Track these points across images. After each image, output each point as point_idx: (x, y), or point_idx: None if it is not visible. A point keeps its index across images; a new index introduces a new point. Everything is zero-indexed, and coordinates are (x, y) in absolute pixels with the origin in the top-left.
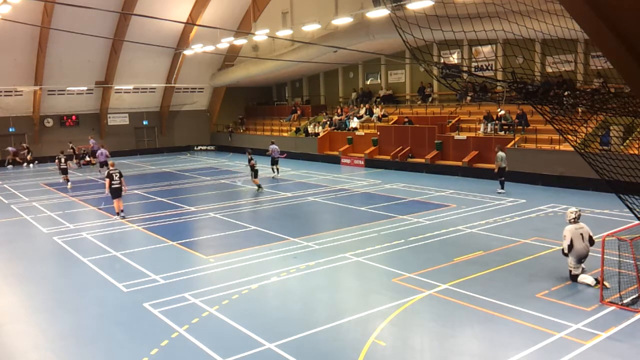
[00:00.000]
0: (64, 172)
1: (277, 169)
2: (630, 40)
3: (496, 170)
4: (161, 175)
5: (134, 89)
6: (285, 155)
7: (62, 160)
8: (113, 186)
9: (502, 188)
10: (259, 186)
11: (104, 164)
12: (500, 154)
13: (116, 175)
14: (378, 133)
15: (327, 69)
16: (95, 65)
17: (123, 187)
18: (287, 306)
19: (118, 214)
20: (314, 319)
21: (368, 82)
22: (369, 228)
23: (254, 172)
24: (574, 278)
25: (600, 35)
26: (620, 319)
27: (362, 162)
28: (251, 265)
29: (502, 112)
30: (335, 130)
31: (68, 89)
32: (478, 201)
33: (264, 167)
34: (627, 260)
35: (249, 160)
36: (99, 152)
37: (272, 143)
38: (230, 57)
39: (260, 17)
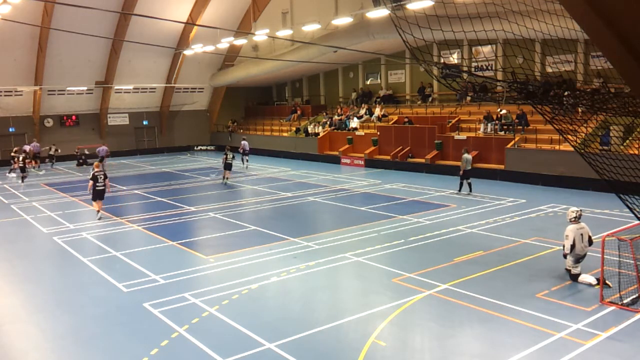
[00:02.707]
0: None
1: (247, 160)
2: (630, 40)
3: (461, 172)
4: (161, 175)
5: (134, 89)
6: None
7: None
8: (97, 188)
9: (460, 190)
10: (226, 179)
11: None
12: (465, 156)
13: (101, 178)
14: (378, 133)
15: (327, 69)
16: (95, 65)
17: (107, 189)
18: (287, 306)
19: (98, 211)
20: (314, 319)
21: (368, 82)
22: (369, 228)
23: (226, 165)
24: (574, 278)
25: (600, 35)
26: (620, 319)
27: (362, 162)
28: (251, 265)
29: (504, 111)
30: (335, 130)
31: (68, 89)
32: (478, 201)
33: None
34: (627, 260)
35: (225, 154)
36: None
37: (244, 139)
38: (230, 57)
39: (260, 17)
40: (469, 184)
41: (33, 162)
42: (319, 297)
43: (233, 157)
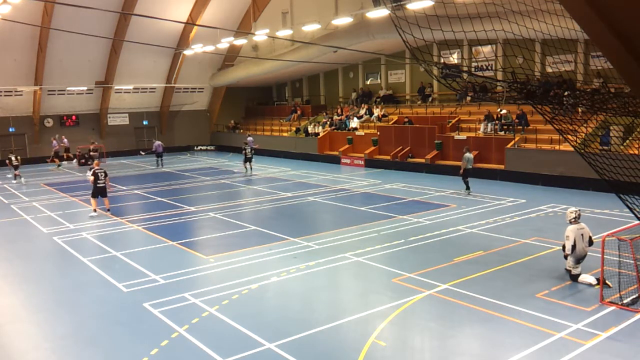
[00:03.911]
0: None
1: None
2: (630, 40)
3: (461, 171)
4: (161, 175)
5: (134, 89)
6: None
7: (13, 159)
8: (98, 185)
9: (467, 189)
10: (249, 169)
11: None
12: (467, 155)
13: (101, 175)
14: (378, 133)
15: (327, 69)
16: (95, 65)
17: (107, 186)
18: (287, 306)
19: (108, 209)
20: (314, 319)
21: (368, 82)
22: (369, 228)
23: (246, 158)
24: (574, 278)
25: (600, 35)
26: (620, 319)
27: (362, 162)
28: (251, 265)
29: (504, 111)
30: (335, 130)
31: (68, 89)
32: (478, 201)
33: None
34: (627, 260)
35: (244, 149)
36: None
37: (249, 136)
38: (230, 57)
39: (260, 17)
40: (467, 183)
41: (57, 159)
42: (319, 297)
43: (252, 150)
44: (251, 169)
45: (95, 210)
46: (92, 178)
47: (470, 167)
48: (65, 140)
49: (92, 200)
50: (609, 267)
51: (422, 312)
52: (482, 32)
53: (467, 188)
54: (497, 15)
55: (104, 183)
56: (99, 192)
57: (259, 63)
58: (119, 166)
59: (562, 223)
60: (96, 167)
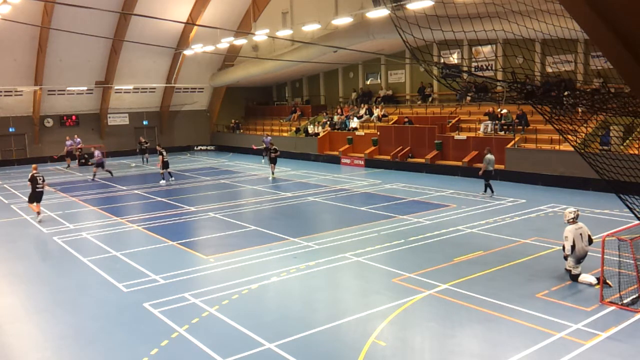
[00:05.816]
0: None
1: (265, 156)
2: (630, 40)
3: (480, 173)
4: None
5: (134, 89)
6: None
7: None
8: (37, 190)
9: (485, 191)
10: (272, 173)
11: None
12: (488, 156)
13: (40, 179)
14: (378, 133)
15: (327, 69)
16: (95, 65)
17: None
18: (287, 306)
19: (39, 213)
20: (314, 319)
21: (368, 82)
22: (369, 228)
23: (272, 159)
24: (574, 278)
25: (601, 36)
26: (620, 319)
27: (362, 162)
28: (251, 265)
29: (504, 111)
30: (335, 130)
31: (68, 89)
32: (478, 201)
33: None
34: (627, 260)
35: (275, 151)
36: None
37: (267, 136)
38: (230, 57)
39: (260, 17)
40: (489, 185)
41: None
42: (319, 297)
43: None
44: (272, 173)
45: (39, 214)
46: (29, 183)
47: (492, 168)
48: (79, 139)
49: (31, 206)
50: (609, 267)
51: (422, 312)
52: (482, 32)
53: (491, 190)
54: (497, 15)
55: (42, 188)
56: (35, 197)
57: (259, 63)
58: (119, 166)
59: (562, 223)
60: (34, 172)
